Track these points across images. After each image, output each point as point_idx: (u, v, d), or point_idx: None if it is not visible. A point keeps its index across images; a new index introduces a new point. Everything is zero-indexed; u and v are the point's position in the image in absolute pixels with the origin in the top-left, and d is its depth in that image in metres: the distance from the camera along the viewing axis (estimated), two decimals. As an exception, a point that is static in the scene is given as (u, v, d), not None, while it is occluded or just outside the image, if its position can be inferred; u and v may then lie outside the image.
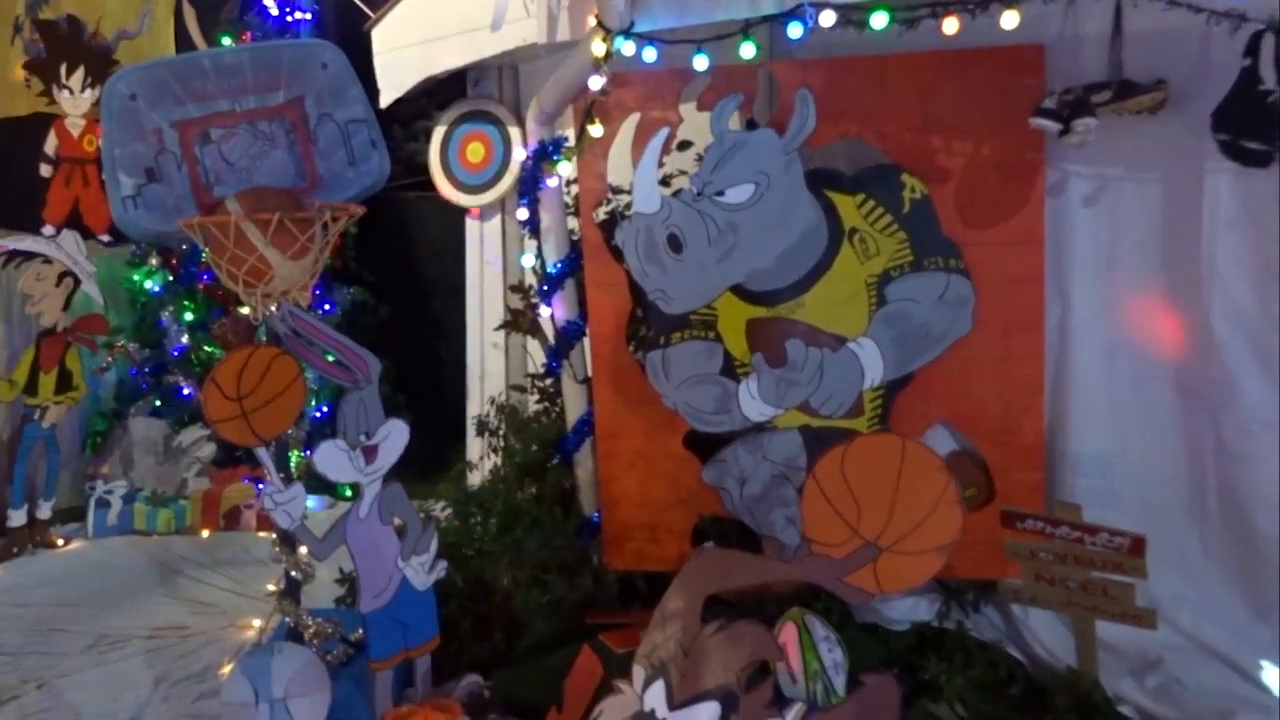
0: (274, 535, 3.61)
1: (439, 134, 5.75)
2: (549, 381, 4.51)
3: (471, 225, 5.86)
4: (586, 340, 4.28)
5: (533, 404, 4.78)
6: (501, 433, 4.68)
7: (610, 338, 4.19)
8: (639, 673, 2.74)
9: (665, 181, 4.05)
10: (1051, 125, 3.32)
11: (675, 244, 3.86)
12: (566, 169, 3.97)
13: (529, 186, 4.12)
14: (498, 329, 4.89)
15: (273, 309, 3.21)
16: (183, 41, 6.85)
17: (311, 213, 2.97)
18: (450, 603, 4.31)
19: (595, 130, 3.80)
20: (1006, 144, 3.75)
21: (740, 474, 4.09)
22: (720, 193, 3.84)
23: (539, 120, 4.08)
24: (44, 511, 5.70)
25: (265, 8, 6.34)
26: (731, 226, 3.86)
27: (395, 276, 6.89)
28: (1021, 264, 3.82)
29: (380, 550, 3.56)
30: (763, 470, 4.06)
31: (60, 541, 5.71)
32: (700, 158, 3.87)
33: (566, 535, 4.18)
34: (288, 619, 3.60)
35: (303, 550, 3.63)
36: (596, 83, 3.64)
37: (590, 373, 4.27)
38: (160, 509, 5.81)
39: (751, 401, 4.00)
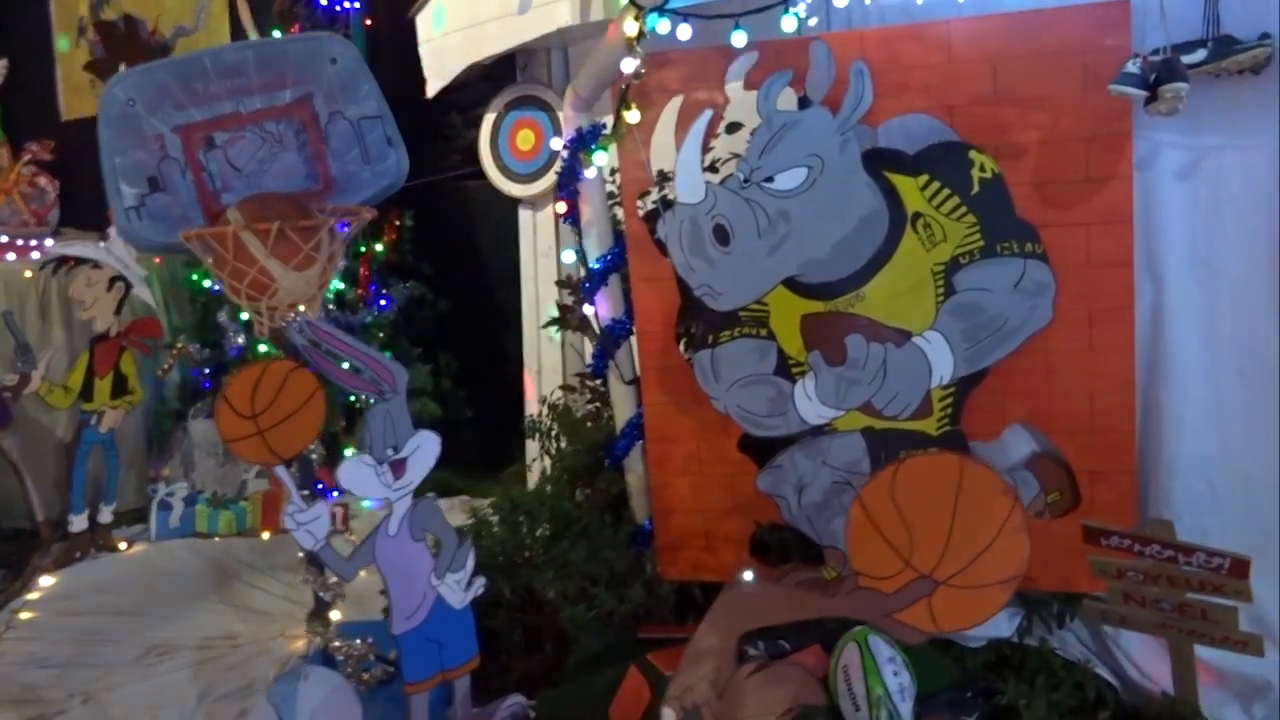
0: (301, 554, 3.46)
1: (489, 121, 5.54)
2: (598, 381, 4.28)
3: (525, 215, 5.65)
4: (634, 339, 4.03)
5: (584, 404, 4.55)
6: (554, 434, 4.47)
7: (658, 336, 3.94)
8: (669, 716, 2.50)
9: (714, 167, 3.77)
10: (1135, 92, 2.94)
11: (722, 235, 3.62)
12: (602, 158, 3.71)
13: (567, 178, 3.88)
14: (545, 326, 4.67)
15: (288, 320, 3.03)
16: (238, 36, 6.78)
17: (315, 220, 2.78)
18: (499, 614, 4.14)
19: (632, 116, 3.53)
20: (1089, 114, 3.37)
21: (798, 480, 3.80)
22: (769, 179, 3.57)
23: (576, 107, 3.82)
24: (105, 516, 5.71)
25: (315, -1, 6.22)
26: (782, 215, 3.59)
27: (455, 268, 6.72)
28: (1108, 246, 3.45)
29: (412, 568, 3.39)
30: (822, 476, 3.77)
31: (123, 545, 5.71)
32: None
33: (615, 545, 3.95)
34: (318, 641, 3.46)
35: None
36: (629, 65, 3.36)
37: (638, 373, 4.02)
38: (221, 511, 5.77)
39: (808, 403, 3.72)
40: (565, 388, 4.60)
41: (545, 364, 5.52)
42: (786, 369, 3.75)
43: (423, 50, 5.39)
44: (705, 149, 3.74)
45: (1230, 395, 3.51)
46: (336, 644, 3.39)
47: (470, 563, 3.51)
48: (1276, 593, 3.31)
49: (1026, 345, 3.55)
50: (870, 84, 3.47)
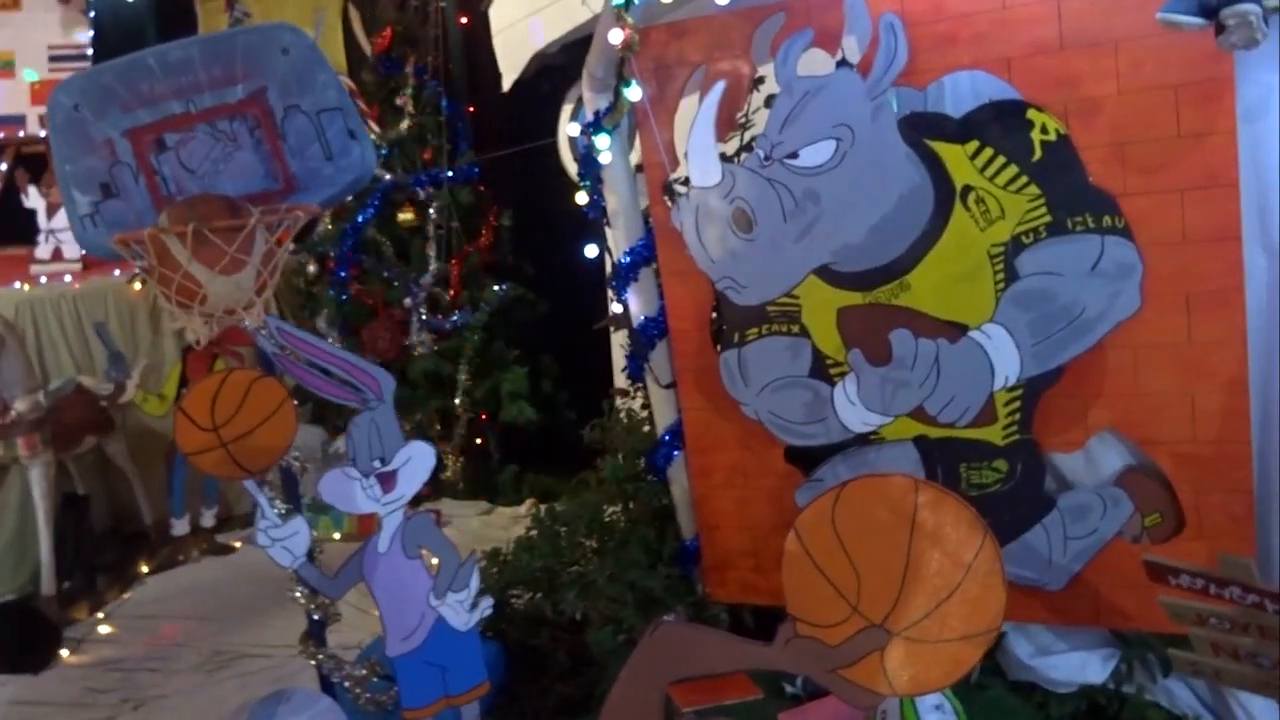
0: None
1: (566, 113, 5.32)
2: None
3: (614, 209, 5.38)
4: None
5: (640, 408, 4.23)
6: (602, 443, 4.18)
7: (693, 334, 3.58)
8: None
9: (749, 147, 3.38)
10: (1188, 21, 2.34)
11: (743, 221, 3.23)
12: (605, 141, 3.39)
13: (588, 165, 3.58)
14: (597, 328, 4.39)
15: (250, 326, 2.88)
16: (351, 43, 6.86)
17: (237, 220, 2.60)
18: (541, 633, 3.90)
19: (632, 93, 3.20)
20: (1177, 57, 2.79)
21: (843, 496, 3.35)
22: (793, 154, 3.18)
23: (593, 88, 3.51)
24: (207, 519, 5.86)
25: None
26: (810, 195, 3.17)
27: (559, 268, 6.54)
28: (1209, 215, 2.85)
29: (406, 587, 3.18)
30: (871, 491, 3.30)
31: (237, 544, 5.84)
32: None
33: (642, 563, 3.62)
34: (312, 664, 3.30)
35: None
36: (616, 36, 3.03)
37: (674, 376, 3.67)
38: (320, 516, 5.80)
39: (851, 408, 3.28)
40: (620, 392, 4.29)
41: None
42: (824, 370, 3.31)
43: (496, 43, 5.24)
44: (738, 125, 3.37)
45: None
46: (335, 666, 3.22)
47: (475, 582, 3.27)
48: None
49: (1110, 338, 3.00)
50: (904, 39, 3.00)
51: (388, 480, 3.14)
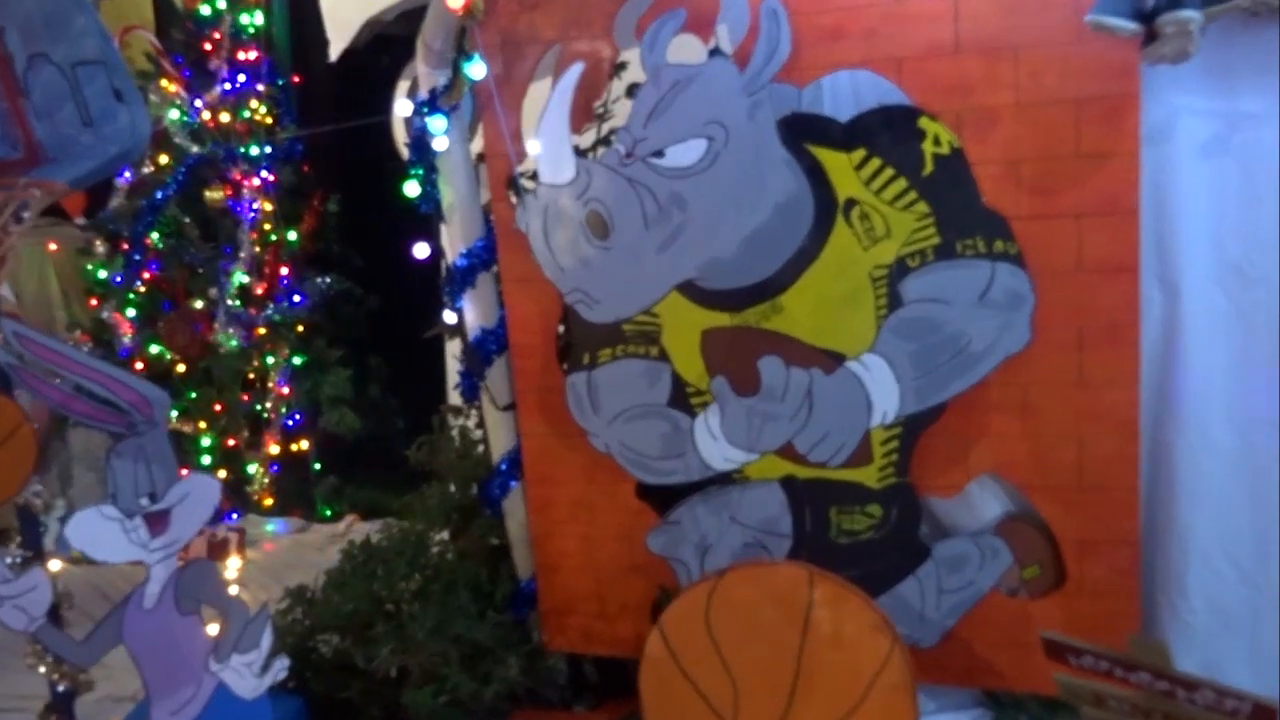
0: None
1: (401, 91, 4.76)
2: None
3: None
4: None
5: (475, 429, 3.75)
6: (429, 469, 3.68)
7: (537, 351, 3.14)
8: None
9: (609, 140, 2.97)
10: (1122, 25, 2.06)
11: (599, 226, 2.82)
12: (441, 124, 2.91)
13: (420, 151, 3.08)
14: (426, 336, 3.90)
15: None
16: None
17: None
18: (353, 685, 3.38)
19: (475, 71, 2.74)
20: (1080, 67, 2.53)
21: (700, 540, 2.98)
22: (659, 153, 2.79)
23: (429, 62, 3.02)
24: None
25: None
26: (676, 200, 2.79)
27: (391, 261, 5.96)
28: (1106, 244, 2.61)
29: (177, 649, 2.63)
30: (731, 536, 2.95)
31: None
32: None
33: (472, 613, 3.16)
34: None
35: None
36: (457, 1, 2.57)
37: (514, 397, 3.23)
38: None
39: (712, 443, 2.91)
40: (451, 409, 3.80)
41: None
42: (684, 399, 2.93)
43: (324, 5, 4.66)
44: (596, 115, 2.96)
45: (1266, 442, 2.67)
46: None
47: (266, 641, 2.73)
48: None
49: (996, 374, 2.73)
50: (787, 28, 2.66)
51: (157, 521, 2.58)
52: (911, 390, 2.76)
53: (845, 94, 2.70)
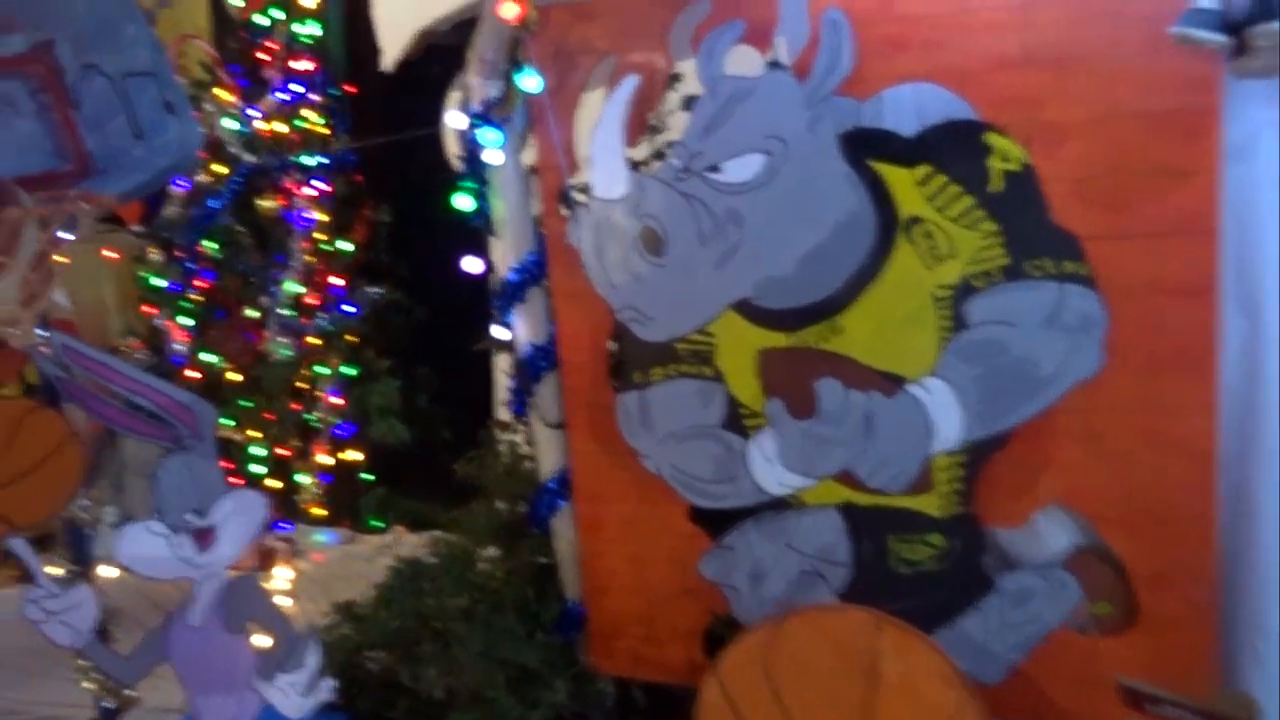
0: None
1: (452, 102, 4.72)
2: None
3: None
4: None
5: (523, 443, 3.70)
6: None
7: (587, 368, 3.08)
8: None
9: (662, 154, 2.90)
10: (1209, 38, 1.95)
11: (653, 241, 2.75)
12: (493, 136, 2.86)
13: (472, 164, 3.04)
14: (476, 350, 3.84)
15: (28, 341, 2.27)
16: (218, 12, 6.12)
17: (4, 212, 2.01)
18: (399, 704, 3.35)
19: (530, 84, 2.69)
20: (1157, 80, 2.40)
21: (753, 567, 2.90)
22: (714, 167, 2.71)
23: (482, 73, 2.98)
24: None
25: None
26: (733, 216, 2.71)
27: (441, 272, 5.93)
28: (1183, 266, 2.48)
29: (222, 666, 2.61)
30: (786, 563, 2.86)
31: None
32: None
33: (514, 636, 3.10)
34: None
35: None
36: (510, 11, 2.52)
37: (563, 415, 3.17)
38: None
39: (767, 466, 2.83)
40: (499, 424, 3.75)
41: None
42: (738, 421, 2.85)
43: (377, 14, 4.63)
44: (650, 128, 2.89)
45: (1357, 477, 2.51)
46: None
47: (313, 660, 2.70)
48: None
49: (1066, 400, 2.61)
50: (850, 40, 2.57)
51: (204, 536, 2.55)
52: (975, 415, 2.65)
53: (908, 108, 2.61)
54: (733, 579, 2.94)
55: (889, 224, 2.64)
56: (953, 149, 2.59)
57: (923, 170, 2.60)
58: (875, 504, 2.78)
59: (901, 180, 2.62)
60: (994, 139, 2.55)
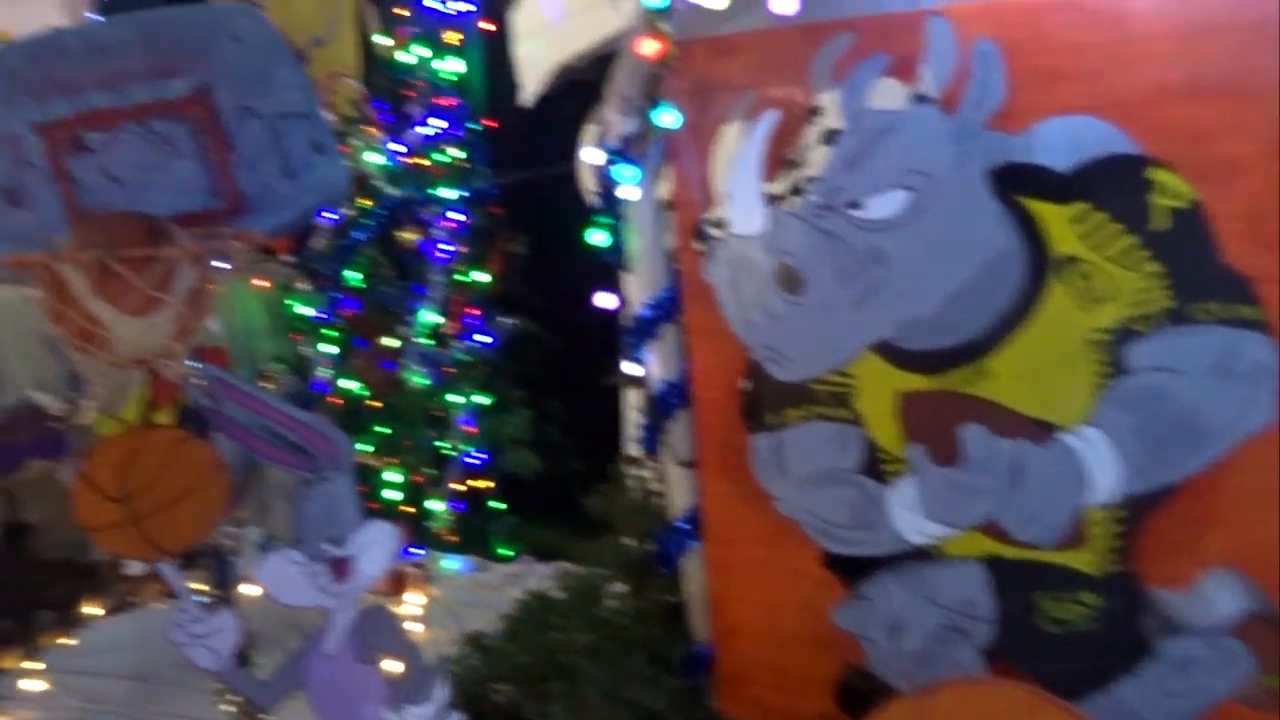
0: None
1: (588, 136, 4.76)
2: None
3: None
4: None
5: (652, 479, 3.66)
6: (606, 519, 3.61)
7: (719, 406, 3.02)
8: None
9: (800, 190, 2.84)
10: None
11: (790, 280, 2.68)
12: (628, 172, 2.85)
13: (608, 199, 3.04)
14: (608, 385, 3.83)
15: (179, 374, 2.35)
16: (366, 47, 6.36)
17: (152, 250, 2.08)
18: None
19: (668, 120, 2.66)
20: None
21: (891, 619, 2.77)
22: (856, 203, 2.62)
23: (620, 109, 2.98)
24: (167, 559, 5.32)
25: (425, -3, 5.67)
26: (875, 254, 2.62)
27: (575, 303, 5.98)
28: (1371, 312, 2.28)
29: (353, 697, 2.63)
30: (926, 616, 2.73)
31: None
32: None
33: (642, 677, 3.05)
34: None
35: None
36: (650, 47, 2.51)
37: (695, 454, 3.12)
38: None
39: (907, 515, 2.71)
40: (628, 460, 3.73)
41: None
42: (877, 466, 2.74)
43: (519, 51, 4.71)
44: (788, 162, 2.83)
45: None
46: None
47: (442, 694, 2.71)
48: None
49: (1237, 455, 2.43)
50: (1000, 72, 2.46)
51: (341, 567, 2.60)
52: (1135, 467, 2.49)
53: (1063, 142, 2.48)
54: (869, 630, 2.82)
55: (1040, 263, 2.51)
56: (1112, 185, 2.45)
57: (1078, 207, 2.47)
58: (1023, 558, 2.62)
59: (1054, 218, 2.49)
60: (1158, 174, 2.40)
